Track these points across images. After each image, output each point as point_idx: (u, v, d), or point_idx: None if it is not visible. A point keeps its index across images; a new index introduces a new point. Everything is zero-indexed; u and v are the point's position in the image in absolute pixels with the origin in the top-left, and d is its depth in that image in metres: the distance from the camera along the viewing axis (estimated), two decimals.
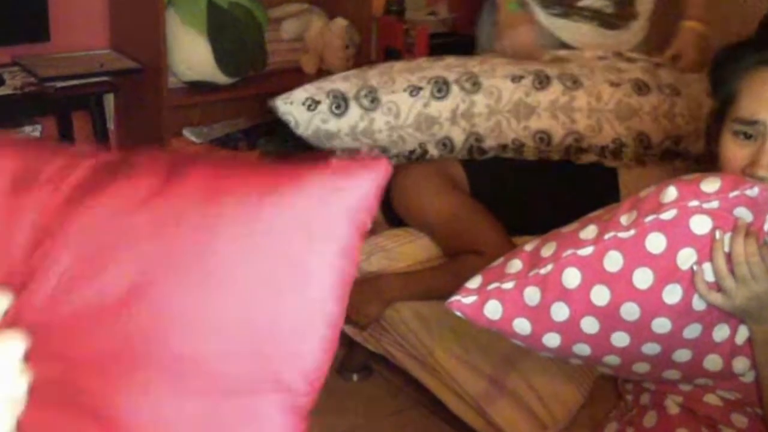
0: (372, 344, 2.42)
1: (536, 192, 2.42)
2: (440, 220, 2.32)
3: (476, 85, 2.37)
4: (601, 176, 2.40)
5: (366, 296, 2.29)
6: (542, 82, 2.38)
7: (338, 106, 2.34)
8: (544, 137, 2.37)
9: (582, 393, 2.00)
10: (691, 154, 2.42)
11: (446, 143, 2.39)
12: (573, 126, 2.37)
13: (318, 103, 2.35)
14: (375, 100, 2.35)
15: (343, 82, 2.39)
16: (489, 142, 2.39)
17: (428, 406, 2.50)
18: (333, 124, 2.35)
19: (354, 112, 2.34)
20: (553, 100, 2.37)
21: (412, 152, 2.41)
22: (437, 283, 2.19)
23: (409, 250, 2.36)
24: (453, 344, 2.21)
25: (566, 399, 2.03)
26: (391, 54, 3.55)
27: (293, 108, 2.36)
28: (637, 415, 1.65)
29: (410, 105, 2.35)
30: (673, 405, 1.61)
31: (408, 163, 2.43)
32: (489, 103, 2.36)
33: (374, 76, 2.41)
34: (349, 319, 2.34)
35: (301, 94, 2.38)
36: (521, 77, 2.39)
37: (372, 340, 2.41)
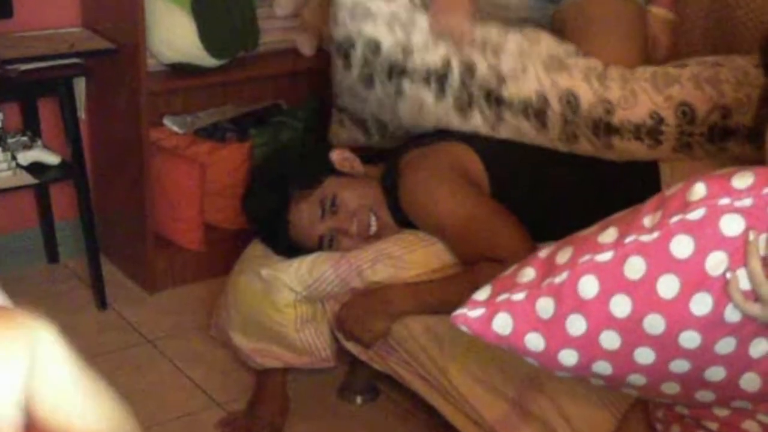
0: (378, 363, 2.42)
1: (566, 192, 2.42)
2: (455, 222, 2.30)
3: (516, 31, 2.50)
4: (641, 173, 2.39)
5: (371, 310, 2.30)
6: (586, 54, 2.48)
7: None
8: (572, 100, 2.41)
9: (616, 417, 1.98)
10: (745, 130, 2.40)
11: (470, 68, 2.47)
12: (605, 93, 2.41)
13: None
14: (427, 5, 2.51)
15: None
16: (510, 89, 2.43)
17: (441, 431, 2.47)
18: (376, 4, 2.49)
19: (403, 2, 2.50)
20: (590, 67, 2.45)
21: (429, 71, 2.47)
22: (451, 294, 2.16)
23: (420, 257, 2.35)
24: (469, 363, 2.19)
25: (598, 425, 2.01)
26: None
27: None
28: None
29: None
30: None
31: (418, 155, 2.43)
32: (523, 43, 2.46)
33: None
34: (352, 335, 2.34)
35: None
36: (563, 43, 2.50)
37: (378, 358, 2.40)
